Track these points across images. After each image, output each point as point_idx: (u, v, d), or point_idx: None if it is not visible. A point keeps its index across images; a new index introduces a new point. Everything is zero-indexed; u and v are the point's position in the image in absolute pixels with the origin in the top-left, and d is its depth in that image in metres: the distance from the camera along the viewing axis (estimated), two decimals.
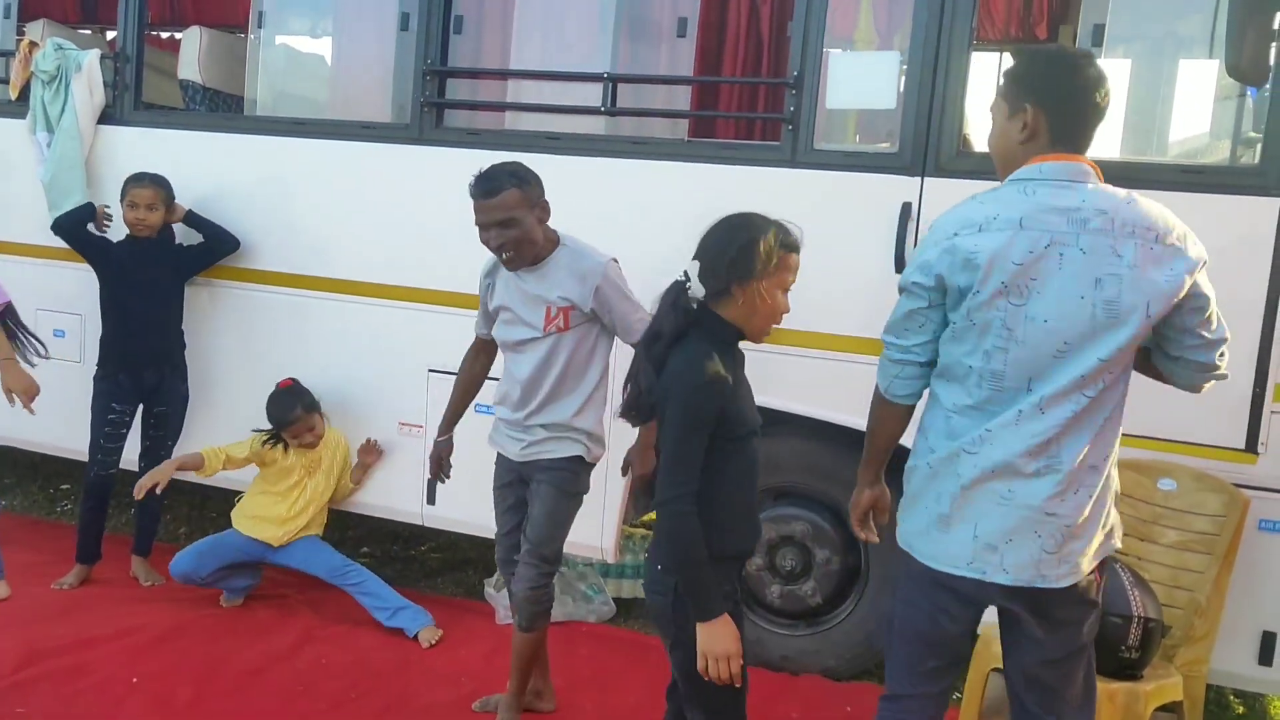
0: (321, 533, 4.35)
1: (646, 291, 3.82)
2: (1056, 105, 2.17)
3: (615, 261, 3.28)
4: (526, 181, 3.16)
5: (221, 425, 4.54)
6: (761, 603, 4.03)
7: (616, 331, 3.29)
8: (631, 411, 2.49)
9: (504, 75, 4.29)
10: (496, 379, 3.47)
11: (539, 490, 3.34)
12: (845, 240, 3.70)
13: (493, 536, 3.60)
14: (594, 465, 3.41)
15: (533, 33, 4.21)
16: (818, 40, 3.70)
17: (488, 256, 3.28)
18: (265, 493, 4.27)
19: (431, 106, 4.18)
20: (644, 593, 2.53)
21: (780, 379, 3.80)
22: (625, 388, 2.50)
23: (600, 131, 4.08)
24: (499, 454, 3.45)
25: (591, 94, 3.99)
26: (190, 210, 4.41)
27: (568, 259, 3.24)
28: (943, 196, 3.55)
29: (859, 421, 3.70)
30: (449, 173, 4.12)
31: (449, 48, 4.18)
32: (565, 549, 4.28)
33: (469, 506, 4.06)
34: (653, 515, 5.03)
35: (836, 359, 3.74)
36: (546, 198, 3.20)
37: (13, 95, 4.78)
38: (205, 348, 4.60)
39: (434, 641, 4.02)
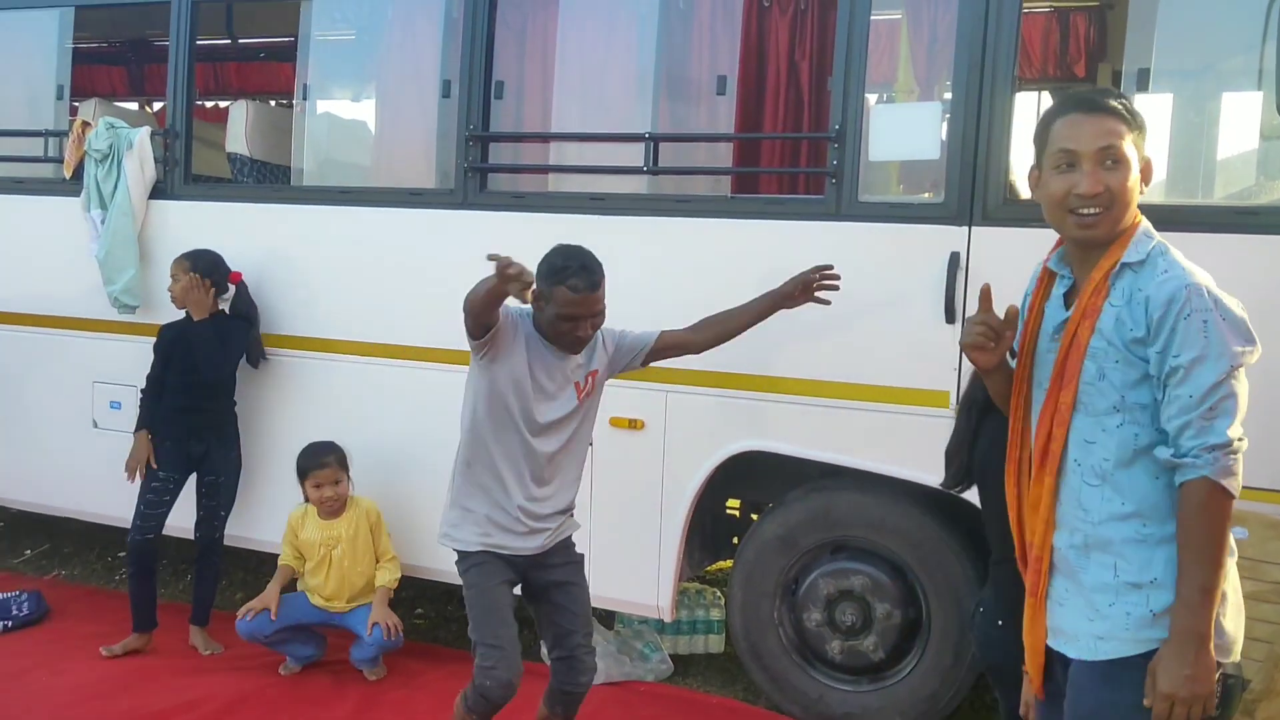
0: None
1: (709, 352, 3.84)
2: None
3: None
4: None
5: (273, 492, 4.57)
6: (822, 659, 3.98)
7: (639, 351, 3.32)
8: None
9: (546, 138, 4.33)
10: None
11: (569, 575, 3.31)
12: (893, 292, 3.68)
13: None
14: None
15: (573, 95, 4.26)
16: (858, 93, 3.71)
17: (520, 307, 3.16)
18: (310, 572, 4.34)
19: (475, 171, 4.23)
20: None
21: (833, 432, 3.78)
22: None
23: (643, 191, 4.11)
24: (495, 554, 3.17)
25: (634, 154, 4.03)
26: (242, 284, 4.50)
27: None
28: (991, 245, 3.55)
29: (912, 473, 3.71)
30: (494, 236, 4.17)
31: (490, 113, 4.23)
32: (622, 608, 4.29)
33: None
34: (716, 567, 4.98)
35: (888, 411, 3.71)
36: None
37: (67, 174, 4.90)
38: (256, 416, 4.65)
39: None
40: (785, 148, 4.09)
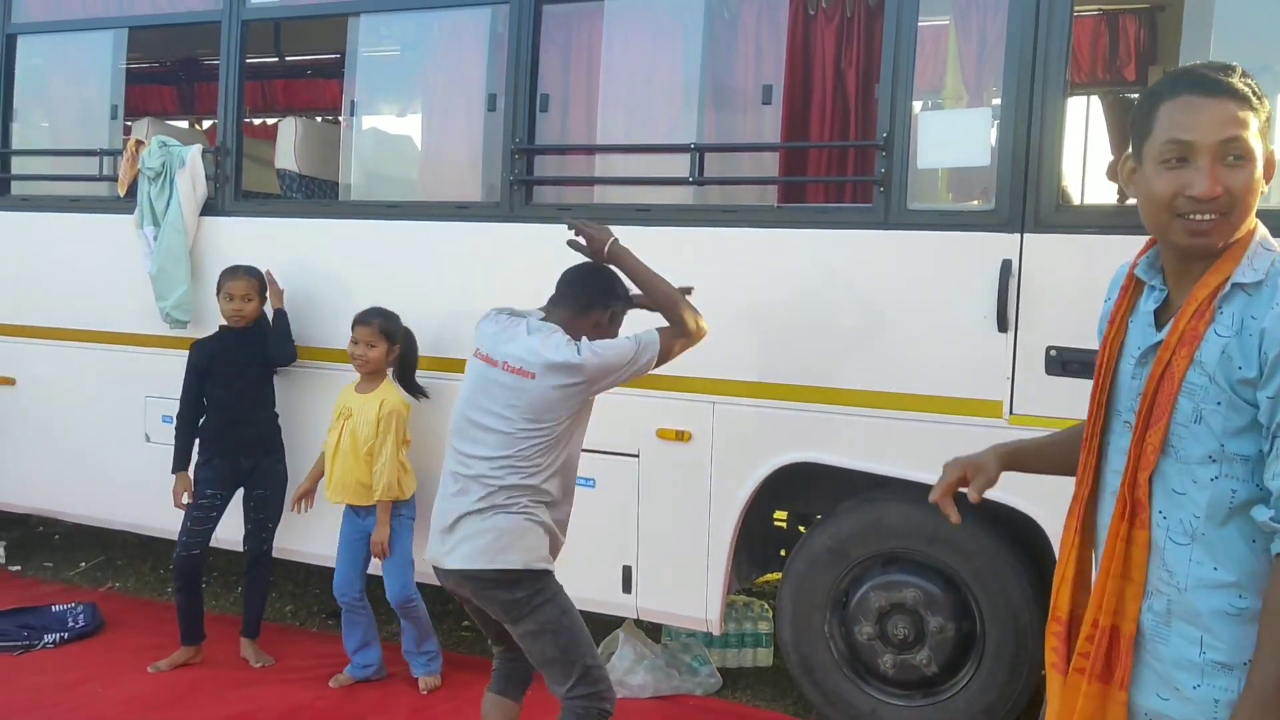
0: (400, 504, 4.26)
1: (756, 362, 3.83)
2: None
3: None
4: None
5: (319, 504, 4.60)
6: (874, 673, 3.92)
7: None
8: None
9: (591, 150, 4.34)
10: None
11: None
12: (943, 301, 3.64)
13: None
14: None
15: (618, 106, 4.26)
16: (906, 100, 3.68)
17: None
18: None
19: (521, 184, 4.25)
20: None
21: (884, 443, 3.74)
22: None
23: (689, 201, 4.10)
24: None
25: (679, 165, 4.02)
26: (283, 311, 4.55)
27: None
28: (1044, 253, 3.49)
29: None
30: (540, 248, 4.18)
31: (536, 126, 4.25)
32: (670, 621, 4.26)
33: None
34: (766, 580, 4.93)
35: (940, 421, 3.66)
36: None
37: (121, 192, 4.98)
38: (301, 429, 4.68)
39: (433, 688, 4.19)
40: (832, 157, 4.07)
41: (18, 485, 5.39)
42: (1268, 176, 1.73)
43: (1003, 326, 3.53)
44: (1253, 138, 1.68)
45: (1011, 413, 3.56)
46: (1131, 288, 1.89)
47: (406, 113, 5.01)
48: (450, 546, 3.01)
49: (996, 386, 3.57)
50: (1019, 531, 3.66)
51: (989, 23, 3.73)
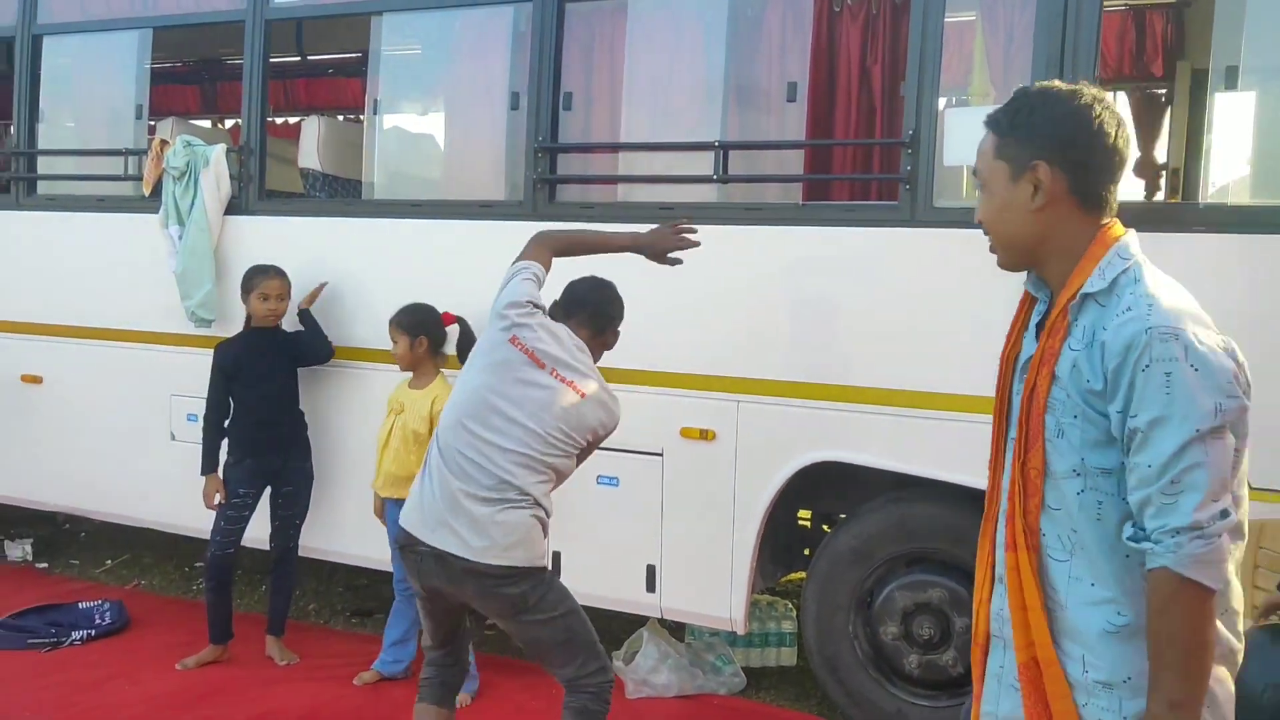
0: None
1: (781, 361, 3.81)
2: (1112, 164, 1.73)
3: None
4: None
5: (344, 502, 4.62)
6: (900, 673, 3.90)
7: None
8: None
9: (614, 149, 4.33)
10: None
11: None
12: (970, 298, 3.61)
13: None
14: None
15: (642, 105, 4.25)
16: (931, 98, 3.65)
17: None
18: None
19: (544, 183, 4.24)
20: None
21: (910, 442, 3.72)
22: None
23: (713, 200, 4.08)
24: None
25: (703, 163, 4.00)
26: (307, 310, 4.56)
27: None
28: None
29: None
30: None
31: (559, 124, 4.24)
32: (694, 621, 4.25)
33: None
34: (789, 579, 4.90)
35: (966, 420, 3.62)
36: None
37: (146, 192, 5.00)
38: (327, 427, 4.69)
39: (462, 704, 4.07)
40: (857, 155, 4.04)
41: (45, 483, 5.43)
42: (1042, 192, 1.72)
43: None
44: (991, 166, 1.75)
45: None
46: (1026, 299, 1.89)
47: (429, 111, 5.01)
48: (447, 530, 2.90)
49: None
50: None
51: (1016, 18, 3.70)
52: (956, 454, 3.66)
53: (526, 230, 4.23)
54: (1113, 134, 1.72)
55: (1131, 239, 1.75)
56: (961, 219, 3.63)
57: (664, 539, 4.09)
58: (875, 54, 3.91)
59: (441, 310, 4.22)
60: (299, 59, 6.99)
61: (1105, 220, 1.75)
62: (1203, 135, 3.63)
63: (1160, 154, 5.27)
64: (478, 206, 4.44)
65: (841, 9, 3.94)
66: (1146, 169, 5.22)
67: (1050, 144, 1.71)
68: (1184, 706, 1.57)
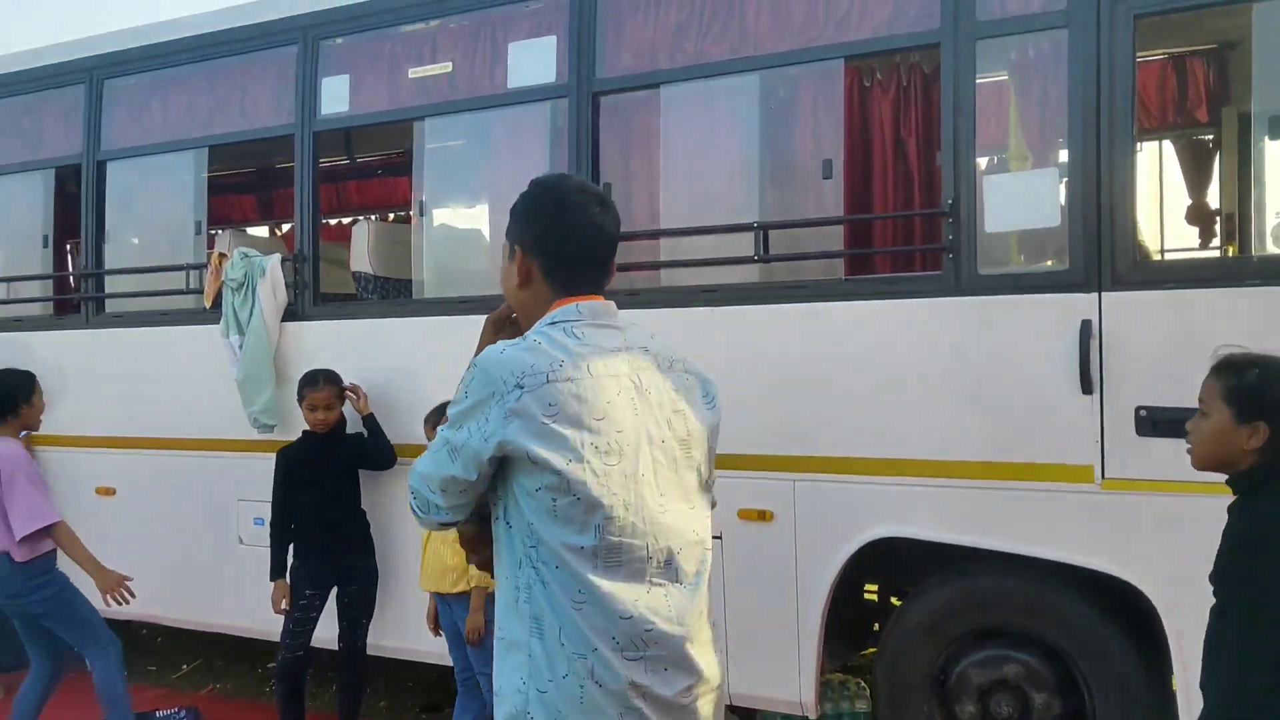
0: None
1: (834, 438, 3.76)
2: (562, 250, 2.05)
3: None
4: None
5: (407, 597, 4.63)
6: None
7: None
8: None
9: (655, 235, 4.37)
10: None
11: None
12: (1023, 365, 3.55)
13: None
14: None
15: (680, 190, 4.29)
16: (969, 164, 3.64)
17: None
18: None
19: None
20: None
21: (971, 513, 3.64)
22: None
23: (755, 280, 4.09)
24: None
25: (744, 244, 4.02)
26: (371, 414, 4.64)
27: None
28: (1124, 311, 3.40)
29: (1057, 553, 3.52)
30: None
31: None
32: (762, 705, 4.16)
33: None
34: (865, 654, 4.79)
35: (1027, 489, 3.55)
36: None
37: (207, 304, 5.15)
38: (388, 524, 4.73)
39: None
40: (898, 226, 4.02)
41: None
42: (519, 274, 2.06)
43: (1087, 389, 3.43)
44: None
45: (1104, 477, 3.44)
46: None
47: (473, 208, 5.12)
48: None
49: (1086, 450, 3.46)
50: (1123, 600, 3.52)
51: (1048, 77, 3.68)
52: (1021, 524, 3.57)
53: None
54: None
55: (560, 314, 2.03)
56: (1010, 285, 3.61)
57: (727, 622, 4.02)
58: (909, 125, 3.91)
59: None
60: (348, 161, 7.21)
61: None
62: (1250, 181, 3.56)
63: (1212, 200, 5.17)
64: None
65: (872, 83, 3.96)
66: (1199, 217, 5.12)
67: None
68: None
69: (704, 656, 2.01)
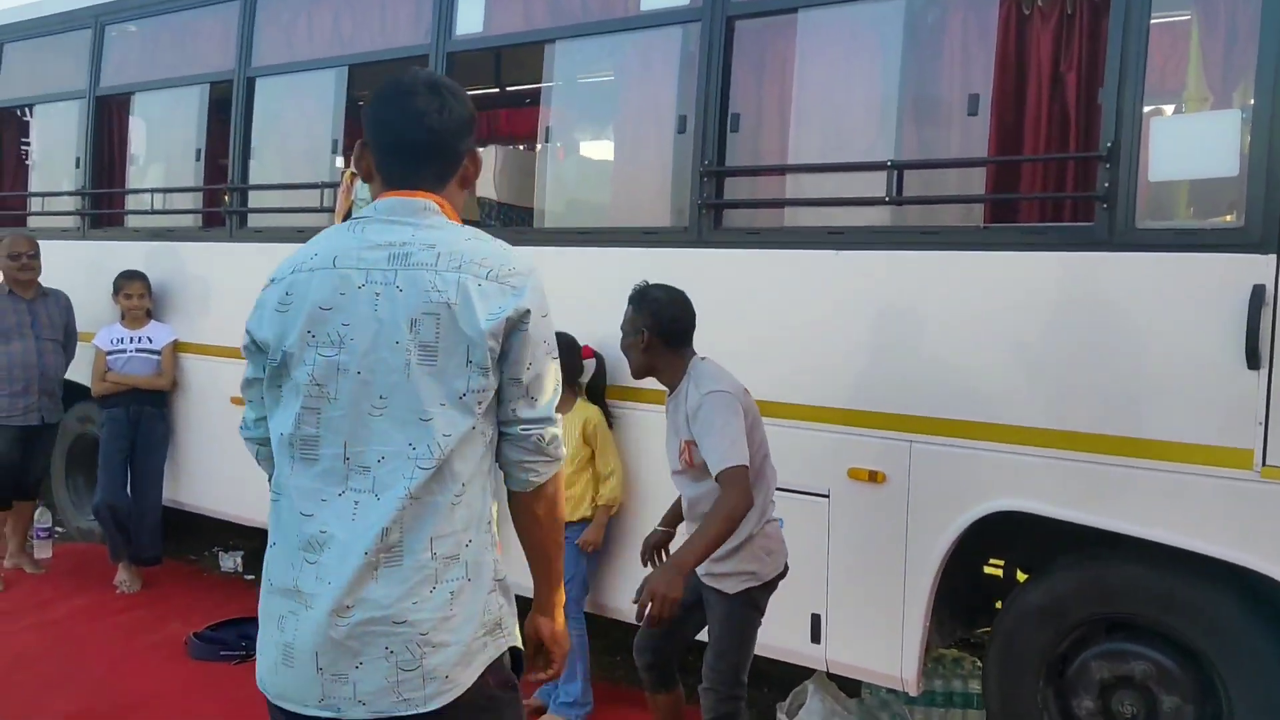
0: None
1: (959, 399, 3.48)
2: (378, 141, 2.01)
3: (719, 393, 3.14)
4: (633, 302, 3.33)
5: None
6: None
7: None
8: None
9: (782, 171, 4.11)
10: None
11: (713, 615, 3.37)
12: (1180, 333, 3.17)
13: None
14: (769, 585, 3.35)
15: (812, 124, 4.02)
16: (1135, 105, 3.24)
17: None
18: None
19: (710, 208, 4.08)
20: None
21: (1107, 493, 3.30)
22: None
23: (887, 223, 3.79)
24: None
25: (876, 184, 3.72)
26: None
27: (689, 389, 3.23)
28: None
29: (1206, 545, 3.15)
30: (730, 274, 4.01)
31: (726, 147, 4.07)
32: (861, 676, 3.95)
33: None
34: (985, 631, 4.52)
35: (1175, 471, 3.18)
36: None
37: (336, 222, 5.18)
38: None
39: None
40: (1048, 171, 3.64)
41: (254, 500, 5.72)
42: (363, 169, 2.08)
43: (1253, 363, 3.03)
44: None
45: (1265, 463, 3.04)
46: None
47: (599, 137, 4.96)
48: None
49: (1246, 433, 3.07)
50: (1275, 602, 3.14)
51: (1239, 12, 3.23)
52: (1163, 509, 3.22)
53: (691, 257, 4.12)
54: None
55: None
56: (1171, 242, 3.22)
57: (830, 587, 3.82)
58: (1070, 59, 3.50)
59: (582, 344, 4.22)
60: (477, 90, 7.14)
61: None
62: None
63: None
64: (642, 233, 4.33)
65: (1031, 11, 3.56)
66: None
67: None
68: None
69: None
